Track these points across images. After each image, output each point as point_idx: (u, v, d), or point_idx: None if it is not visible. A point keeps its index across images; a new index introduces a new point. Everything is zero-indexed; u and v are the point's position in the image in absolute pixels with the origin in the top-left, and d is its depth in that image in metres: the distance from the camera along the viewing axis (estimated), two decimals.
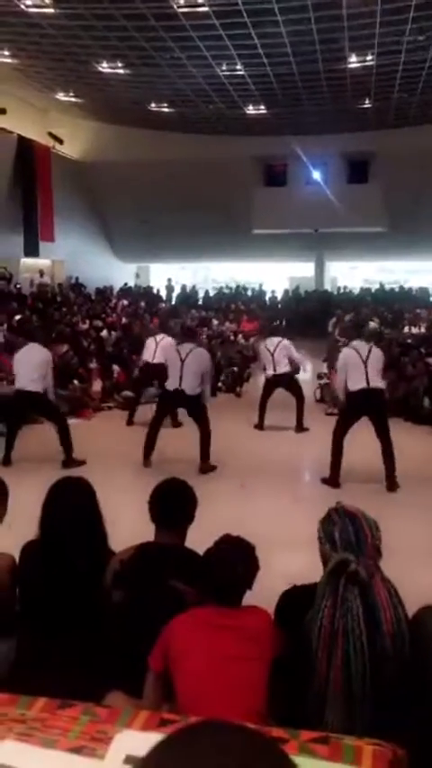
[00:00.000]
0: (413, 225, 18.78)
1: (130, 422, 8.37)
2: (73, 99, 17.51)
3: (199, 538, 2.39)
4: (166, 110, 17.65)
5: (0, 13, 11.64)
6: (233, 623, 1.94)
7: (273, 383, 8.23)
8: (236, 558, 2.03)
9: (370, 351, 6.04)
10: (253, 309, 18.61)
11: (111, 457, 6.80)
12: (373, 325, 13.96)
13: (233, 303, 19.62)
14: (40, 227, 17.29)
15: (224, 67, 14.03)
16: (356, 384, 5.92)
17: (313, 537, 2.00)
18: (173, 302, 20.57)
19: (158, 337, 8.47)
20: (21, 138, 17.19)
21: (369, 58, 13.10)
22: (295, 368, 8.39)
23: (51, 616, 2.27)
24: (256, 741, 0.63)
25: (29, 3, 11.24)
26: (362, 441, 6.11)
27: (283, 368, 8.13)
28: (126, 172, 19.10)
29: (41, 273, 18.74)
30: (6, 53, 14.12)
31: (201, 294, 22.18)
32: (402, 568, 2.29)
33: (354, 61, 13.35)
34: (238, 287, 22.93)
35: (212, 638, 1.90)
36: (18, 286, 16.73)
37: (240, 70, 14.16)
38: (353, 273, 24.31)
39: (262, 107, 16.98)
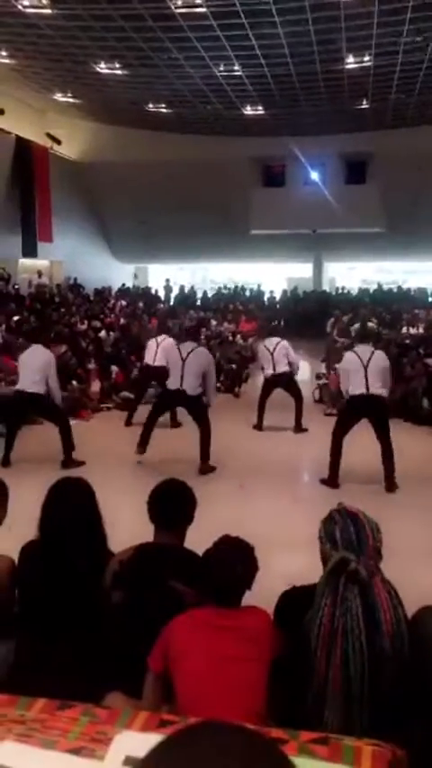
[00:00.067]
0: (411, 225, 18.81)
1: (128, 423, 8.35)
2: (71, 99, 17.51)
3: (198, 538, 2.39)
4: (163, 110, 17.65)
5: None
6: (232, 624, 1.94)
7: (272, 383, 8.23)
8: (235, 559, 2.02)
9: (372, 355, 5.95)
10: (251, 310, 18.62)
11: (109, 458, 6.79)
12: (370, 325, 13.95)
13: (231, 303, 19.63)
14: (38, 227, 17.30)
15: (222, 68, 14.03)
16: (356, 389, 5.89)
17: (312, 537, 2.00)
18: (171, 303, 20.57)
19: (159, 338, 8.43)
20: (19, 139, 17.21)
21: (366, 58, 13.11)
22: (292, 369, 8.39)
23: (51, 617, 2.27)
24: (256, 742, 0.63)
25: (26, 3, 11.24)
26: (361, 442, 6.11)
27: (283, 367, 8.13)
28: (124, 172, 19.11)
29: (40, 274, 18.73)
30: (4, 53, 14.12)
31: (199, 295, 22.19)
32: (402, 569, 2.29)
33: (351, 62, 13.36)
34: (236, 287, 22.94)
35: (212, 639, 1.90)
36: (16, 287, 16.73)
37: (238, 71, 14.17)
38: (351, 274, 24.34)
39: (260, 108, 17.00)
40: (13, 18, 11.84)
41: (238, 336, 15.26)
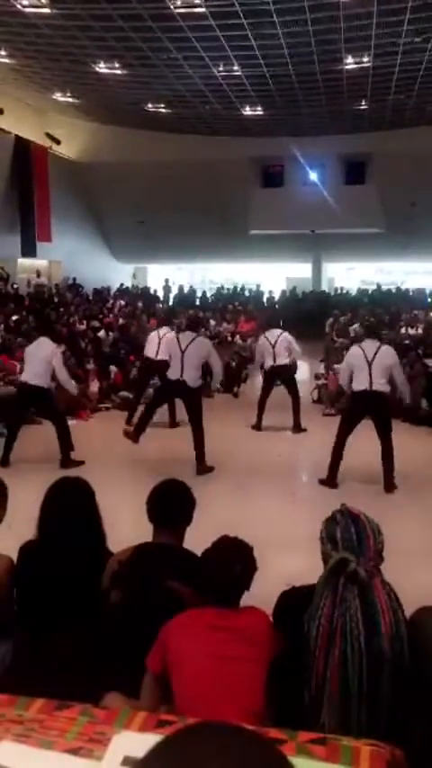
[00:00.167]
0: (410, 226, 18.83)
1: (128, 422, 8.33)
2: (70, 99, 17.51)
3: (197, 539, 2.38)
4: (163, 110, 17.65)
5: None
6: (231, 624, 1.93)
7: (272, 374, 8.18)
8: (234, 559, 2.02)
9: (377, 351, 5.87)
10: (250, 310, 18.61)
11: (108, 457, 6.79)
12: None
13: (231, 304, 19.62)
14: (37, 227, 17.30)
15: (221, 68, 14.04)
16: (359, 385, 5.87)
17: (311, 538, 2.00)
18: (170, 303, 20.56)
19: (161, 331, 8.30)
20: (18, 139, 17.21)
21: (366, 59, 13.12)
22: (293, 361, 8.34)
23: (49, 616, 2.26)
24: (254, 742, 0.63)
25: (25, 3, 11.24)
26: (361, 442, 6.10)
27: (284, 360, 8.09)
28: (123, 172, 19.10)
29: (38, 274, 18.72)
30: (3, 53, 14.11)
31: (198, 295, 22.19)
32: (401, 569, 2.29)
33: (350, 63, 13.37)
34: (236, 287, 22.95)
35: (210, 639, 1.90)
36: (15, 286, 16.71)
37: (237, 71, 14.17)
38: (350, 274, 24.35)
39: (259, 108, 17.01)
40: (12, 17, 11.83)
41: (237, 337, 15.25)
